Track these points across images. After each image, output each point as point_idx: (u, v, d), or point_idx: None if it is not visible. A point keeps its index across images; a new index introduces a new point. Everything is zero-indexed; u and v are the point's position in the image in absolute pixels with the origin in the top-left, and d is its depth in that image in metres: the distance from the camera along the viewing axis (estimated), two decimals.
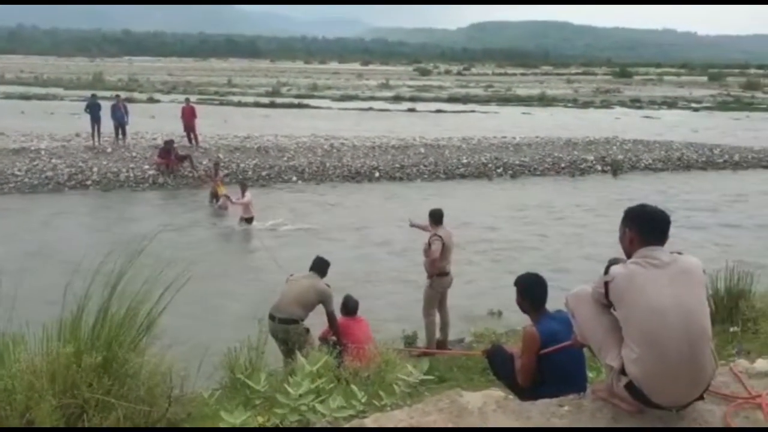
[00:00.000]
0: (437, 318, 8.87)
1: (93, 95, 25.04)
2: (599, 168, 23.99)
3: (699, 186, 21.87)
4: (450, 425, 2.84)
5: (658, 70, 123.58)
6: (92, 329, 3.76)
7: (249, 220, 15.38)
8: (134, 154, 22.00)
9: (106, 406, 3.54)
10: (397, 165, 22.46)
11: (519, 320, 8.76)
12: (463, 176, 22.36)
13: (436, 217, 8.83)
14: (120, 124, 23.68)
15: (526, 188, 21.15)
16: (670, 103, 54.11)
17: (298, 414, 3.43)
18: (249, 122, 33.30)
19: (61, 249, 13.22)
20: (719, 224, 16.78)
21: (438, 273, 8.68)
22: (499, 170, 23.00)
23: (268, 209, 16.65)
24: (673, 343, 2.80)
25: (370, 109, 45.35)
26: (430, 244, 8.58)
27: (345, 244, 14.18)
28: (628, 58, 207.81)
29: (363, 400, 3.64)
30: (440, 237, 8.58)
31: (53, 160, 20.61)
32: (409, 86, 69.68)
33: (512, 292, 4.34)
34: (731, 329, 6.70)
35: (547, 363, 3.89)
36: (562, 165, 23.89)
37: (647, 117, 43.52)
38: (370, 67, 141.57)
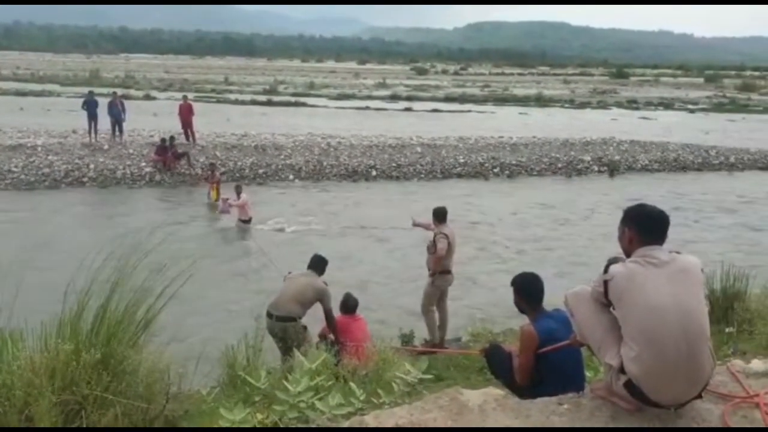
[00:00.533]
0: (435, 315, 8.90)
1: (90, 92, 24.99)
2: (596, 168, 24.03)
3: (710, 186, 21.94)
4: (450, 423, 2.85)
5: (655, 71, 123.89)
6: (91, 326, 3.76)
7: (247, 221, 15.34)
8: (131, 151, 21.95)
9: (104, 402, 3.54)
10: (394, 164, 22.47)
11: (510, 317, 8.83)
12: (459, 176, 22.37)
13: (440, 215, 8.83)
14: (117, 121, 23.62)
15: (545, 187, 21.22)
16: (667, 105, 54.27)
17: (297, 411, 3.43)
18: (247, 120, 33.27)
19: (58, 246, 13.20)
20: (740, 225, 16.92)
21: (441, 270, 8.69)
22: (495, 170, 23.02)
23: (266, 209, 16.64)
24: (672, 342, 2.81)
25: (367, 108, 45.34)
26: (435, 243, 8.57)
27: (345, 244, 14.18)
28: (625, 59, 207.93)
29: (362, 398, 3.65)
30: (446, 235, 8.59)
31: (50, 157, 20.56)
32: (406, 86, 69.71)
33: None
34: (727, 330, 6.72)
35: (545, 362, 3.90)
36: (559, 165, 23.93)
37: (644, 118, 43.63)
38: (367, 66, 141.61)
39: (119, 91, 29.88)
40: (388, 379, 4.29)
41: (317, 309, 7.24)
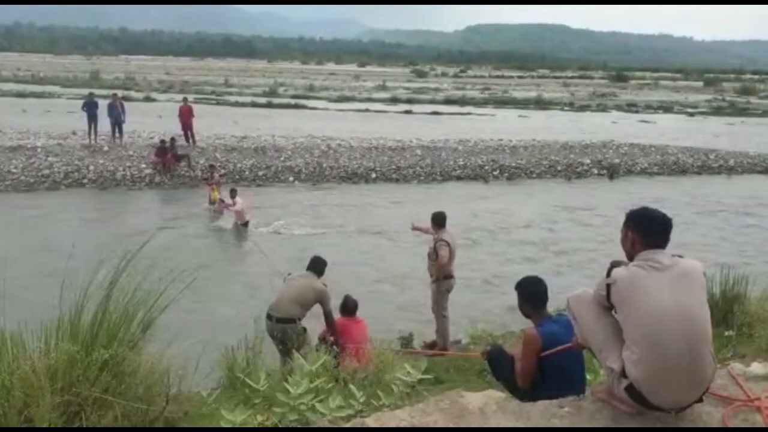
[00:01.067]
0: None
1: (90, 93, 25.00)
2: (596, 171, 24.05)
3: (715, 190, 21.98)
4: (451, 425, 2.85)
5: (655, 75, 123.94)
6: (91, 327, 3.76)
7: (244, 225, 15.32)
8: (131, 152, 21.95)
9: (104, 404, 3.54)
10: (394, 166, 22.48)
11: (513, 321, 8.83)
12: (459, 178, 22.39)
13: (439, 220, 8.72)
14: (117, 122, 23.63)
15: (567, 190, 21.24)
16: (666, 108, 54.30)
17: (297, 413, 3.43)
18: (252, 122, 33.29)
19: (58, 247, 13.16)
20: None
21: (444, 276, 8.63)
22: (495, 172, 23.03)
23: (266, 210, 16.64)
24: (674, 345, 2.82)
25: (367, 110, 45.37)
26: (436, 250, 8.50)
27: (346, 246, 14.18)
28: (625, 63, 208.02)
29: (361, 400, 3.65)
30: (446, 242, 8.52)
31: (50, 158, 20.56)
32: (406, 88, 69.77)
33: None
34: (726, 333, 6.71)
35: (547, 365, 3.90)
36: (559, 168, 23.95)
37: (643, 121, 43.67)
38: (367, 68, 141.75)
39: (119, 93, 29.85)
40: (388, 381, 4.29)
41: (317, 311, 7.23)
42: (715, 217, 18.12)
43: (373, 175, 21.73)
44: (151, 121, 29.45)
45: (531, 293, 4.26)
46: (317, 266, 7.48)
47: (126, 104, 25.03)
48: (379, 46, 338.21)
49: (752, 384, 3.31)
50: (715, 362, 2.96)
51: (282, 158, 22.54)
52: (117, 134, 23.82)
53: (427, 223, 9.10)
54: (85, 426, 3.48)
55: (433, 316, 8.82)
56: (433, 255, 8.57)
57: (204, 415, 4.12)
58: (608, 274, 3.01)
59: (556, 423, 2.93)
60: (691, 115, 49.84)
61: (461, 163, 23.45)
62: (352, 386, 3.88)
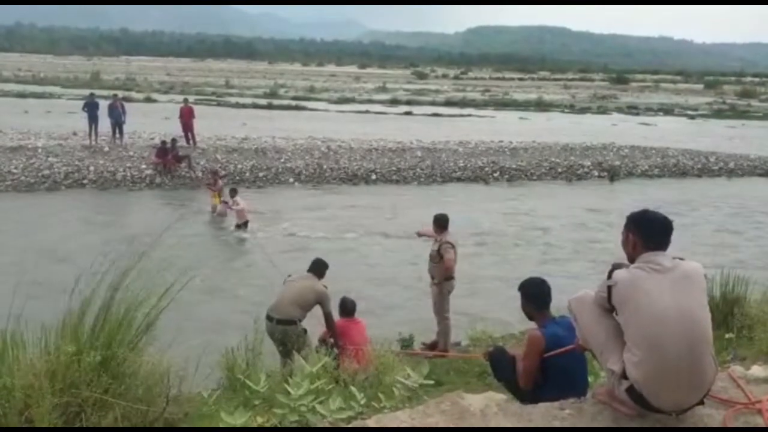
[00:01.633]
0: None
1: (91, 94, 25.01)
2: (596, 174, 24.06)
3: (716, 192, 21.97)
4: (452, 427, 2.85)
5: (655, 77, 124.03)
6: (92, 329, 3.76)
7: (244, 225, 15.30)
8: (131, 153, 21.96)
9: (104, 405, 3.54)
10: (394, 168, 22.49)
11: (514, 323, 8.83)
12: (459, 180, 22.40)
13: (442, 222, 8.70)
14: (117, 123, 23.63)
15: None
16: (667, 110, 54.34)
17: (297, 415, 3.43)
18: (254, 123, 33.33)
19: (59, 248, 13.20)
20: None
21: (446, 278, 8.62)
22: (495, 174, 23.03)
23: (267, 212, 16.62)
24: (674, 348, 2.82)
25: (367, 111, 45.42)
26: (440, 253, 8.48)
27: (346, 248, 14.18)
28: (625, 65, 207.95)
29: (362, 402, 3.65)
30: (451, 243, 8.52)
31: (50, 159, 20.57)
32: (406, 90, 69.84)
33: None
34: (726, 336, 6.71)
35: (549, 366, 3.91)
36: (559, 170, 23.95)
37: (644, 123, 43.69)
38: (368, 70, 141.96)
39: (120, 94, 29.87)
40: (389, 383, 4.29)
41: (316, 312, 7.23)
42: (715, 220, 18.11)
43: (374, 177, 21.73)
44: (151, 122, 29.48)
45: (534, 294, 4.26)
46: (318, 268, 7.48)
47: (126, 105, 25.04)
48: (380, 47, 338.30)
49: (753, 387, 3.31)
50: (716, 365, 2.96)
51: (282, 159, 22.55)
52: (117, 135, 23.83)
53: (429, 227, 9.09)
54: (84, 427, 3.48)
55: (435, 317, 8.81)
56: (436, 257, 8.55)
57: (204, 415, 4.12)
58: (609, 276, 3.01)
59: (558, 425, 2.93)
60: (692, 117, 49.87)
61: (461, 164, 23.46)
62: (352, 388, 3.88)
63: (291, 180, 20.93)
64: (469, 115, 45.96)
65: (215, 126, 28.61)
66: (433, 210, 9.34)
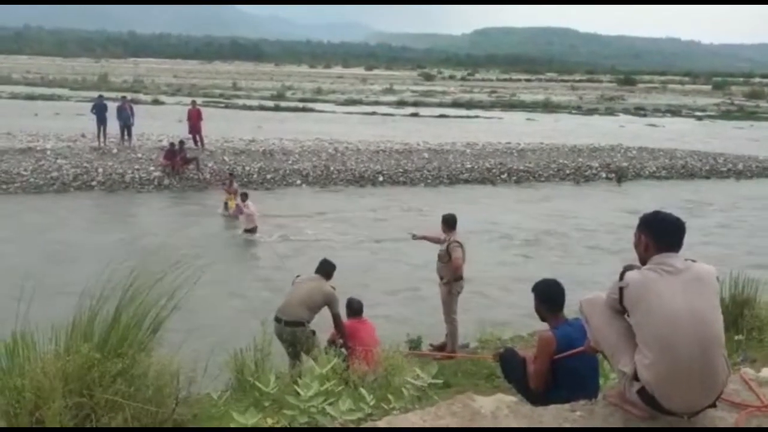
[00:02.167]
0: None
1: (100, 96, 25.08)
2: (604, 175, 24.00)
3: (725, 194, 21.85)
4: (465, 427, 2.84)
5: (662, 78, 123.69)
6: (102, 330, 3.78)
7: (252, 230, 15.29)
8: (140, 155, 22.03)
9: (114, 406, 3.55)
10: (401, 169, 22.48)
11: (525, 326, 8.80)
12: (467, 181, 22.38)
13: (451, 222, 8.68)
14: (126, 125, 23.68)
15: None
16: (674, 112, 54.16)
17: (307, 416, 3.44)
18: (256, 125, 33.43)
19: (68, 250, 13.26)
20: None
21: (455, 278, 8.60)
22: (503, 176, 23.00)
23: (276, 214, 16.61)
24: (686, 350, 2.81)
25: (374, 113, 45.43)
26: (449, 252, 8.45)
27: (353, 250, 14.16)
28: (632, 66, 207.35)
29: (371, 403, 3.65)
30: (460, 243, 8.49)
31: (59, 161, 20.65)
32: (413, 91, 69.85)
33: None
34: (736, 337, 6.68)
35: (561, 368, 3.89)
36: (567, 171, 23.90)
37: (651, 125, 43.54)
38: (375, 71, 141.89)
39: (128, 96, 29.98)
40: (398, 384, 4.28)
41: (323, 313, 7.22)
42: (724, 221, 18.02)
43: (380, 178, 21.74)
44: (159, 124, 29.57)
45: (547, 295, 4.25)
46: (326, 269, 7.47)
47: (134, 107, 25.12)
48: (387, 49, 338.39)
49: (765, 389, 3.29)
50: (729, 367, 2.94)
51: (290, 161, 22.57)
52: (126, 137, 23.89)
53: (430, 231, 9.05)
54: (95, 427, 3.49)
55: (444, 318, 8.79)
56: (445, 257, 8.52)
57: (213, 417, 4.13)
58: (621, 278, 3.00)
59: (568, 427, 2.92)
60: (700, 118, 49.68)
61: (469, 166, 23.43)
62: (362, 389, 3.88)
63: (298, 182, 20.95)
64: (477, 117, 45.92)
65: (223, 128, 28.69)
66: (443, 211, 9.31)
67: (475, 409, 2.98)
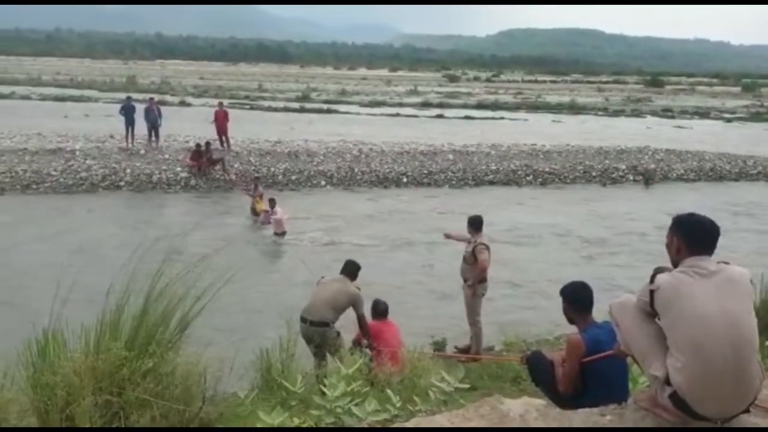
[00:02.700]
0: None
1: (128, 97, 25.39)
2: (631, 177, 23.74)
3: (756, 196, 21.52)
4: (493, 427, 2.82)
5: (690, 80, 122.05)
6: (131, 329, 3.81)
7: (282, 234, 15.32)
8: (167, 156, 22.26)
9: (143, 404, 3.58)
10: (425, 171, 22.44)
11: (551, 329, 8.74)
12: (492, 183, 22.27)
13: (477, 223, 8.68)
14: (153, 126, 23.94)
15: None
16: (702, 113, 53.38)
17: (333, 416, 3.44)
18: (281, 127, 33.60)
19: (96, 248, 13.42)
20: None
21: (479, 280, 8.58)
22: (528, 177, 22.86)
23: (300, 216, 16.65)
24: (719, 353, 2.76)
25: (398, 115, 45.42)
26: (475, 254, 8.44)
27: (380, 251, 14.16)
28: (660, 68, 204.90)
29: (398, 405, 3.64)
30: (486, 245, 8.48)
31: (88, 161, 20.94)
32: (438, 92, 69.70)
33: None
34: (767, 343, 6.55)
35: (589, 371, 3.85)
36: (593, 174, 23.68)
37: (679, 127, 42.97)
38: (399, 73, 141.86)
39: (155, 97, 30.31)
40: (424, 386, 4.27)
41: (348, 314, 7.23)
42: (756, 225, 17.72)
43: (405, 180, 21.72)
44: (186, 126, 29.83)
45: (576, 298, 4.21)
46: (350, 270, 7.48)
47: (162, 108, 25.37)
48: (411, 50, 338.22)
49: None
50: (763, 372, 2.88)
51: (314, 162, 22.66)
52: (153, 138, 24.15)
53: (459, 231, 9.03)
54: (124, 426, 3.52)
55: (467, 320, 8.76)
56: (471, 258, 8.50)
57: (239, 416, 4.15)
58: (651, 280, 2.95)
59: (600, 428, 2.88)
60: (729, 120, 48.90)
61: (494, 167, 23.32)
62: (388, 390, 3.87)
63: (323, 183, 21.01)
64: (502, 118, 45.69)
65: (248, 130, 28.87)
66: (470, 212, 9.27)
67: (503, 412, 2.96)
